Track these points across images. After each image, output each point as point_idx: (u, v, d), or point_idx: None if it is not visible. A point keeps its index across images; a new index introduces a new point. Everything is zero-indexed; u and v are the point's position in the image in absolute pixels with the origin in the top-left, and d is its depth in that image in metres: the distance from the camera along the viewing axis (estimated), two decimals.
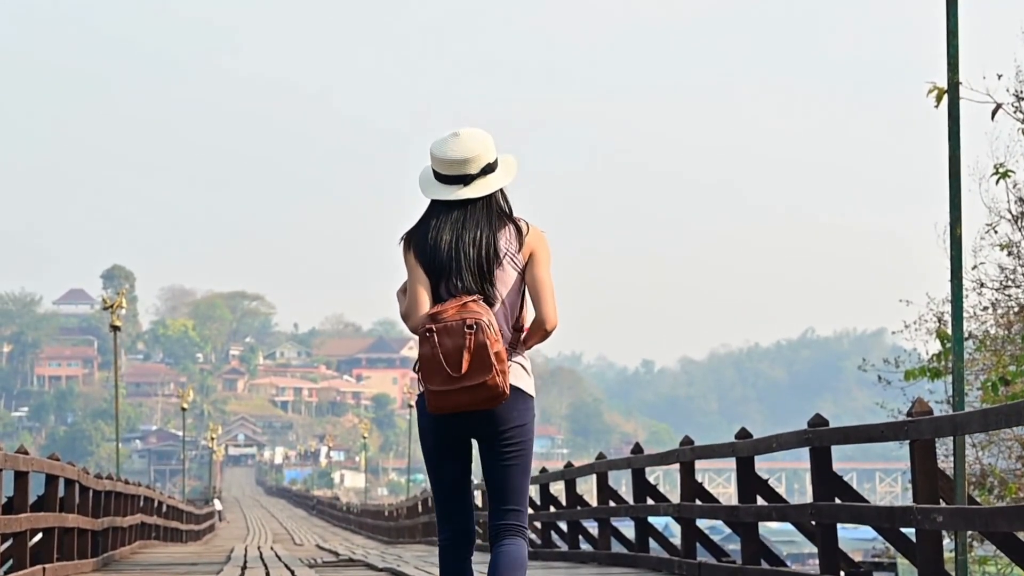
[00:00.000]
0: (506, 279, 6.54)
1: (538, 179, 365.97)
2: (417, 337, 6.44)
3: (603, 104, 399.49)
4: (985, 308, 22.85)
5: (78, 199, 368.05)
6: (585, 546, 20.78)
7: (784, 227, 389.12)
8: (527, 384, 6.57)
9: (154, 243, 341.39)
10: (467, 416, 6.46)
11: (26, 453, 14.42)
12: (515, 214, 6.69)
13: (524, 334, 6.63)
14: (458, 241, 6.50)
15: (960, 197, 10.41)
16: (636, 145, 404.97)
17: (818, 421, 12.04)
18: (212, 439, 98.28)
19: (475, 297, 6.42)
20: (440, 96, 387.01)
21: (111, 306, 40.82)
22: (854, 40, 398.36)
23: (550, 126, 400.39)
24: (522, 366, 6.60)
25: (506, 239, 6.55)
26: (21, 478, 14.31)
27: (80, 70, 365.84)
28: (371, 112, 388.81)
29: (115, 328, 40.68)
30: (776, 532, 62.32)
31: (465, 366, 6.29)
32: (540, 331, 6.56)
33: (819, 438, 11.85)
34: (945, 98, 11.45)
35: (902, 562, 24.50)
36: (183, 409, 70.25)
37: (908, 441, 10.34)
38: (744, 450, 13.73)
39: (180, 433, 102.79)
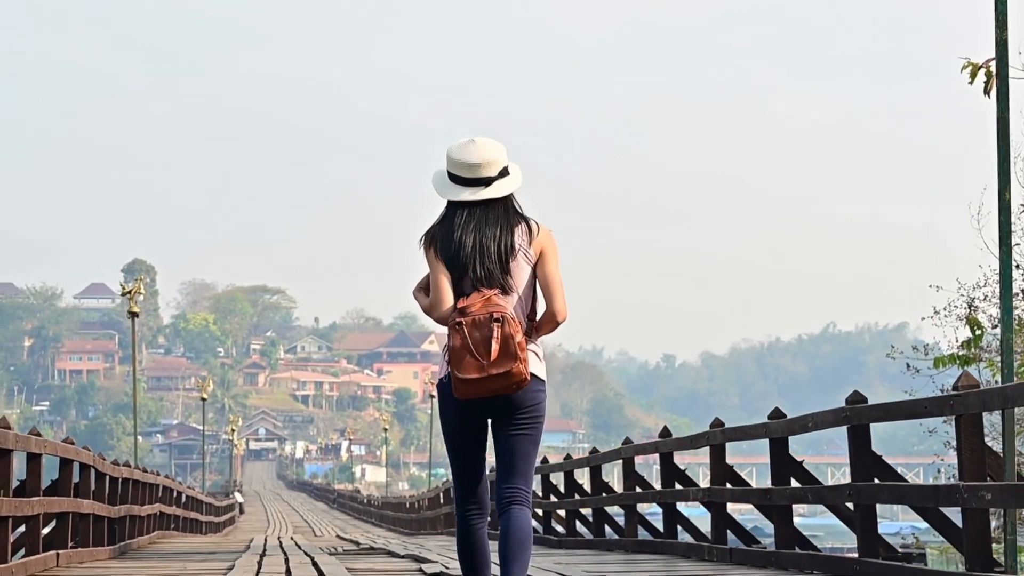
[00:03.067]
0: (520, 272, 7.03)
1: (558, 174, 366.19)
2: (432, 330, 6.54)
3: (622, 99, 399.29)
4: (1016, 294, 22.43)
5: (99, 194, 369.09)
6: (611, 534, 20.37)
7: (805, 221, 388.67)
8: (540, 369, 7.07)
9: (175, 237, 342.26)
10: (490, 400, 6.96)
11: (39, 435, 14.01)
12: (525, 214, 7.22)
13: (535, 323, 7.11)
14: (480, 237, 6.98)
15: (1009, 160, 10.11)
16: (656, 140, 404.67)
17: (856, 398, 11.59)
18: (233, 431, 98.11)
19: (496, 291, 6.94)
20: (455, 90, 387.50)
21: (129, 292, 40.53)
22: (876, 31, 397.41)
23: (569, 120, 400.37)
24: (535, 353, 7.09)
25: (520, 235, 7.04)
26: (33, 460, 13.85)
27: (102, 69, 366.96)
28: (389, 107, 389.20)
29: (133, 315, 40.39)
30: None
31: (495, 355, 6.78)
32: (552, 323, 7.07)
33: (858, 416, 11.41)
34: (980, 74, 11.13)
35: (931, 552, 24.07)
36: (203, 399, 70.01)
37: (953, 416, 9.92)
38: (778, 430, 13.27)
39: (201, 427, 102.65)
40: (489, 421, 7.11)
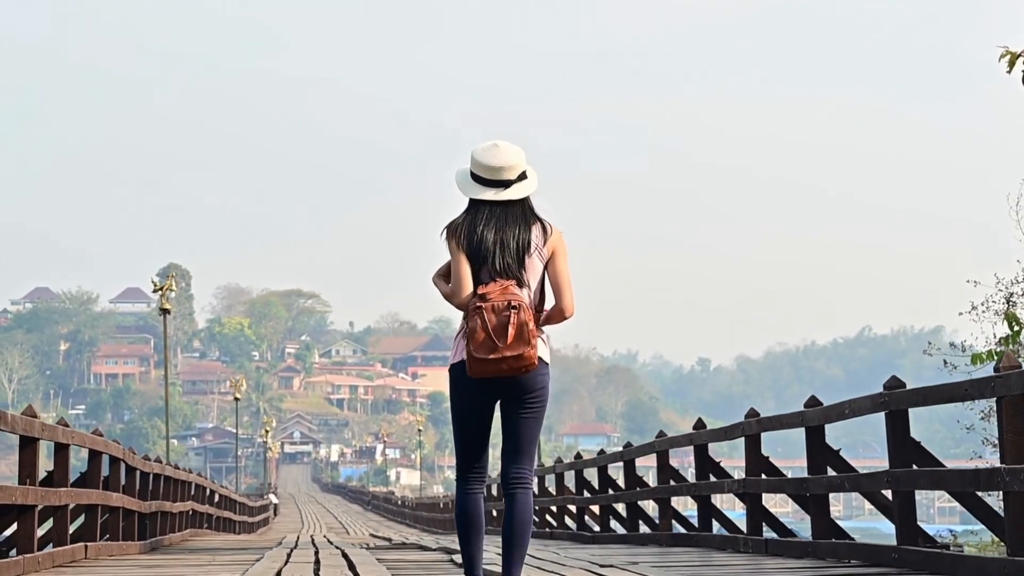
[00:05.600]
0: (534, 269, 7.59)
1: (594, 176, 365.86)
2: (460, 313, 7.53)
3: (660, 99, 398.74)
4: None
5: (134, 199, 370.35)
6: (646, 531, 20.16)
7: (841, 223, 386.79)
8: (546, 354, 7.59)
9: (210, 242, 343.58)
10: (501, 381, 7.48)
11: (66, 425, 13.81)
12: (539, 215, 7.74)
13: (544, 316, 7.62)
14: (500, 234, 7.55)
15: None
16: (692, 141, 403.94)
17: (894, 384, 11.35)
18: (267, 432, 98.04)
19: (512, 281, 7.47)
20: (490, 94, 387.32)
21: (161, 288, 40.45)
22: (909, 23, 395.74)
23: (605, 121, 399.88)
24: (542, 339, 7.55)
25: (536, 235, 7.61)
26: (61, 451, 13.66)
27: (136, 74, 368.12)
28: (427, 112, 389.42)
29: (165, 311, 40.23)
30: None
31: (511, 339, 7.30)
32: (560, 316, 7.61)
33: (896, 401, 11.18)
34: (1019, 63, 10.88)
35: (969, 550, 23.73)
36: (236, 399, 69.92)
37: (994, 399, 9.68)
38: (814, 418, 13.04)
39: (235, 430, 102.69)
40: (498, 403, 7.63)
